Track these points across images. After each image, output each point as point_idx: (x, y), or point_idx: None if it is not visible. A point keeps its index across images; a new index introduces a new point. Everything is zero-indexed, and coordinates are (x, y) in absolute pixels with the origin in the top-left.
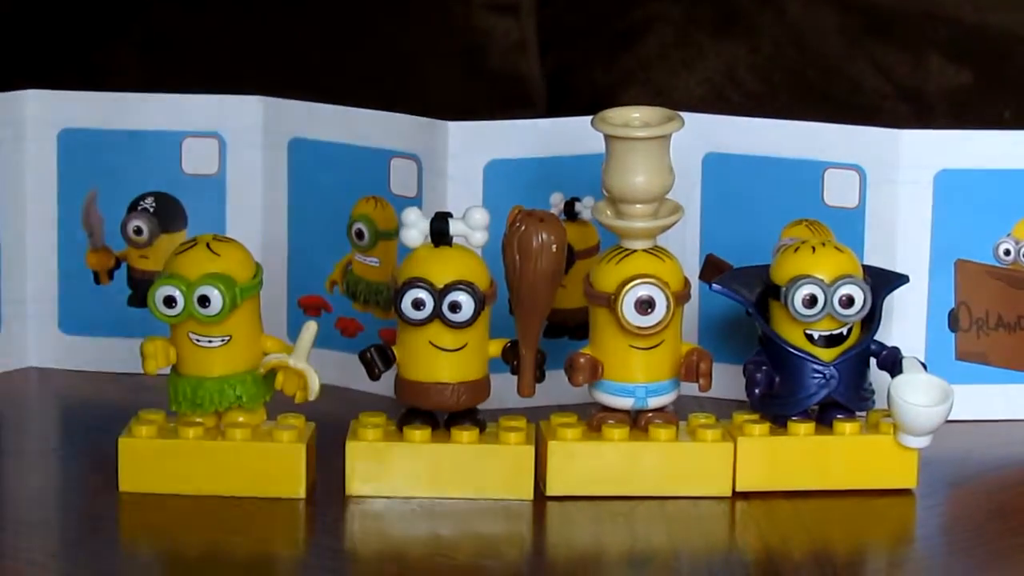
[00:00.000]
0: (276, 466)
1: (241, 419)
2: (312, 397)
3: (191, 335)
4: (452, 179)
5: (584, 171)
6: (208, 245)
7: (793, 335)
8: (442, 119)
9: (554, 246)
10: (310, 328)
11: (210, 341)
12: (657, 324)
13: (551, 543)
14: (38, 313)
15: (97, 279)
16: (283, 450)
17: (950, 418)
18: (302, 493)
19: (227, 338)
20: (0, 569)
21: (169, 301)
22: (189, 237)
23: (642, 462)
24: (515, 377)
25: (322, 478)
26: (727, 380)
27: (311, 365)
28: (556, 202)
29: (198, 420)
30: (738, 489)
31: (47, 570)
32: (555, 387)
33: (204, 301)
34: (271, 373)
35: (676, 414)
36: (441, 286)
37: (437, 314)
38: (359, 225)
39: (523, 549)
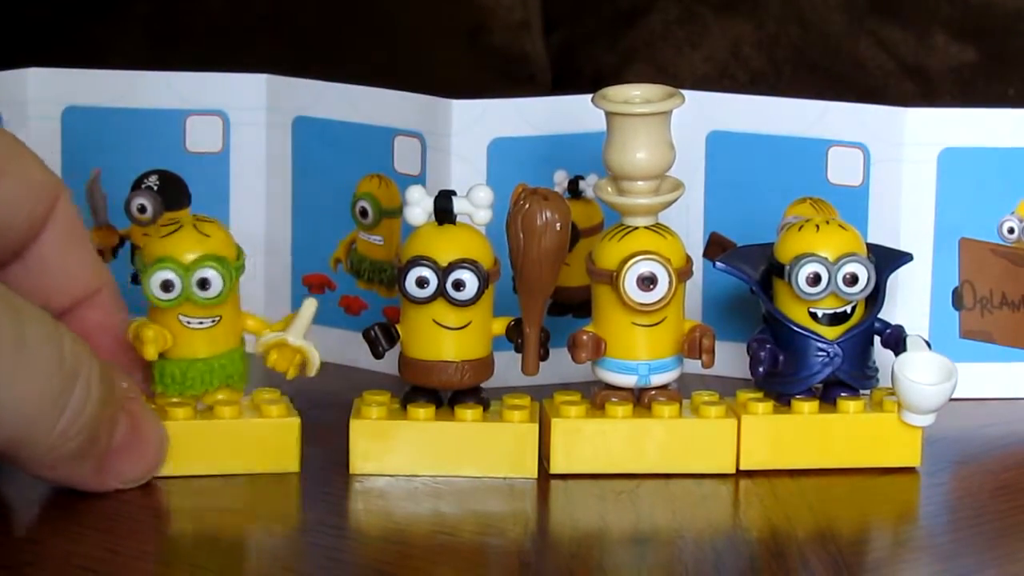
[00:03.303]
0: (271, 441)
1: (220, 397)
2: (312, 374)
3: (182, 317)
4: (456, 157)
5: (588, 149)
6: (195, 226)
7: (797, 313)
8: (446, 97)
9: (558, 224)
10: (310, 306)
11: (201, 322)
12: (659, 300)
13: (555, 521)
14: None
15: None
16: (278, 425)
17: (954, 396)
18: (296, 467)
19: (217, 318)
20: None
21: (167, 285)
22: (167, 219)
23: (646, 439)
24: (519, 355)
25: (325, 456)
26: (731, 358)
27: (309, 342)
28: (560, 180)
29: (178, 401)
30: (742, 467)
31: None
32: (558, 365)
33: (204, 284)
34: (245, 350)
35: (679, 391)
36: (445, 264)
37: (441, 292)
38: (363, 203)
39: (527, 527)
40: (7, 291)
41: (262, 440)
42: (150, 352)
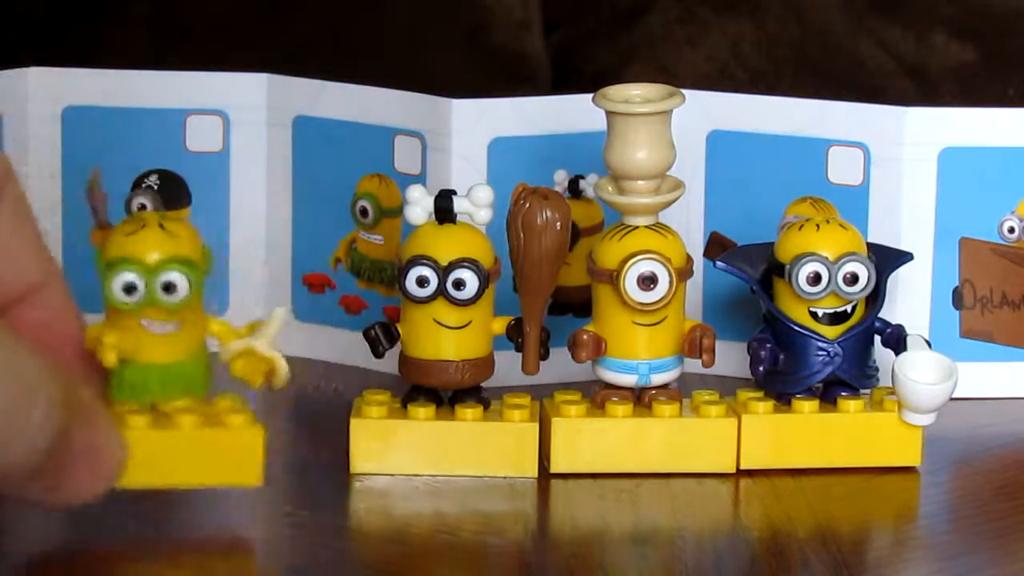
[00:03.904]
0: (234, 453)
1: (180, 404)
2: (280, 385)
3: (144, 321)
4: (456, 157)
5: (588, 148)
6: (161, 225)
7: (797, 313)
8: (446, 97)
9: (558, 224)
10: (279, 315)
11: (163, 326)
12: (660, 300)
13: (555, 521)
14: None
15: None
16: (241, 435)
17: (955, 396)
18: (260, 480)
19: (180, 323)
20: None
21: (129, 288)
22: (131, 218)
23: (646, 439)
24: (519, 355)
25: (326, 455)
26: (731, 358)
27: (278, 350)
28: (560, 179)
29: (136, 408)
30: (742, 467)
31: None
32: (559, 365)
33: (169, 287)
34: (208, 356)
35: (680, 391)
36: (445, 263)
37: (441, 291)
38: (363, 203)
39: (527, 527)
40: None
41: (224, 451)
42: (110, 359)
